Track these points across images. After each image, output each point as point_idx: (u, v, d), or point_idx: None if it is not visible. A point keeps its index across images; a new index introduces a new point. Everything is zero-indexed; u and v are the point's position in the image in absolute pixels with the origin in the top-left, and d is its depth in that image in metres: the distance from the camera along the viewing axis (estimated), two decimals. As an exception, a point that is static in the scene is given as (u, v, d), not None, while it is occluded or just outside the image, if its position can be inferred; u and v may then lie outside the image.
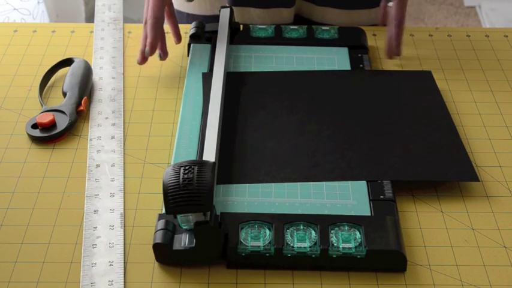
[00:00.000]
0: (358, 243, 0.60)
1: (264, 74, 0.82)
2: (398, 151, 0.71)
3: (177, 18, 0.89)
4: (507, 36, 0.93)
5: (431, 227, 0.65)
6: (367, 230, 0.61)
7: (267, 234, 0.61)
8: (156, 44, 0.80)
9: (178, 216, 0.60)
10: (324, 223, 0.61)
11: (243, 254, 0.60)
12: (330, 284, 0.60)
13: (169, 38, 0.88)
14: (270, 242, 0.60)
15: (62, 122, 0.75)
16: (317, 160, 0.70)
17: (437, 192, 0.68)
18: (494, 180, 0.70)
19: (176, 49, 0.88)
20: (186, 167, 0.59)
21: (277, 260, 0.60)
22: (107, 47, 0.89)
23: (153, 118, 0.78)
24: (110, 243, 0.63)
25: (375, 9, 0.96)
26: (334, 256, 0.60)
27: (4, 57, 0.88)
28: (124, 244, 0.63)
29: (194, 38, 0.86)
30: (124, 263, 0.61)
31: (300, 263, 0.60)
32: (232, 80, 0.80)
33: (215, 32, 0.85)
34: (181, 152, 0.70)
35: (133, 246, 0.63)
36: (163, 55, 0.83)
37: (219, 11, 0.88)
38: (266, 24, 0.91)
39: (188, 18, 0.99)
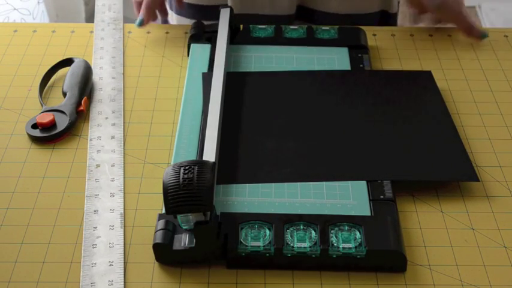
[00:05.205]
0: (358, 243, 0.60)
1: (264, 74, 0.82)
2: (398, 151, 0.71)
3: (174, 7, 0.94)
4: (507, 36, 0.93)
5: (431, 227, 0.65)
6: (367, 230, 0.61)
7: (267, 234, 0.61)
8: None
9: (178, 216, 0.60)
10: (324, 223, 0.61)
11: (243, 254, 0.60)
12: (330, 284, 0.60)
13: (170, 38, 0.88)
14: (270, 242, 0.60)
15: (62, 122, 0.75)
16: (317, 160, 0.70)
17: (437, 192, 0.68)
18: (494, 180, 0.70)
19: (176, 49, 0.88)
20: (186, 167, 0.59)
21: (277, 260, 0.60)
22: (107, 47, 0.89)
23: (153, 118, 0.78)
24: (110, 243, 0.63)
25: None
26: (334, 256, 0.60)
27: (4, 57, 0.87)
28: (124, 244, 0.63)
29: (194, 38, 0.86)
30: (124, 263, 0.61)
31: (300, 263, 0.60)
32: (232, 80, 0.80)
33: (215, 32, 0.85)
34: (181, 152, 0.70)
35: (133, 246, 0.63)
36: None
37: (219, 9, 0.88)
38: (266, 12, 0.90)
39: (188, 8, 0.99)
